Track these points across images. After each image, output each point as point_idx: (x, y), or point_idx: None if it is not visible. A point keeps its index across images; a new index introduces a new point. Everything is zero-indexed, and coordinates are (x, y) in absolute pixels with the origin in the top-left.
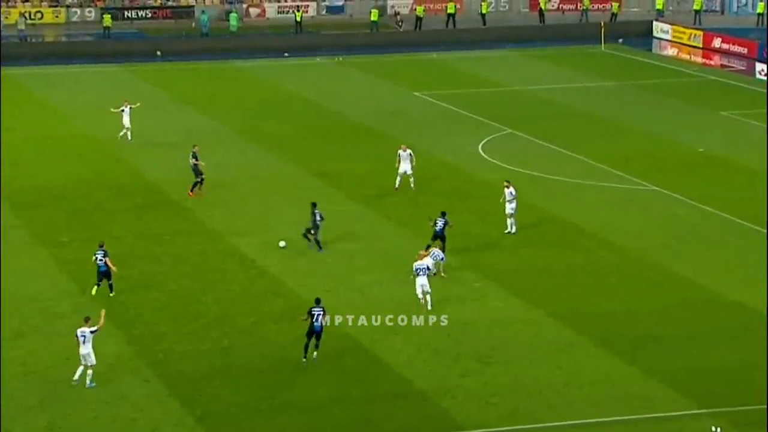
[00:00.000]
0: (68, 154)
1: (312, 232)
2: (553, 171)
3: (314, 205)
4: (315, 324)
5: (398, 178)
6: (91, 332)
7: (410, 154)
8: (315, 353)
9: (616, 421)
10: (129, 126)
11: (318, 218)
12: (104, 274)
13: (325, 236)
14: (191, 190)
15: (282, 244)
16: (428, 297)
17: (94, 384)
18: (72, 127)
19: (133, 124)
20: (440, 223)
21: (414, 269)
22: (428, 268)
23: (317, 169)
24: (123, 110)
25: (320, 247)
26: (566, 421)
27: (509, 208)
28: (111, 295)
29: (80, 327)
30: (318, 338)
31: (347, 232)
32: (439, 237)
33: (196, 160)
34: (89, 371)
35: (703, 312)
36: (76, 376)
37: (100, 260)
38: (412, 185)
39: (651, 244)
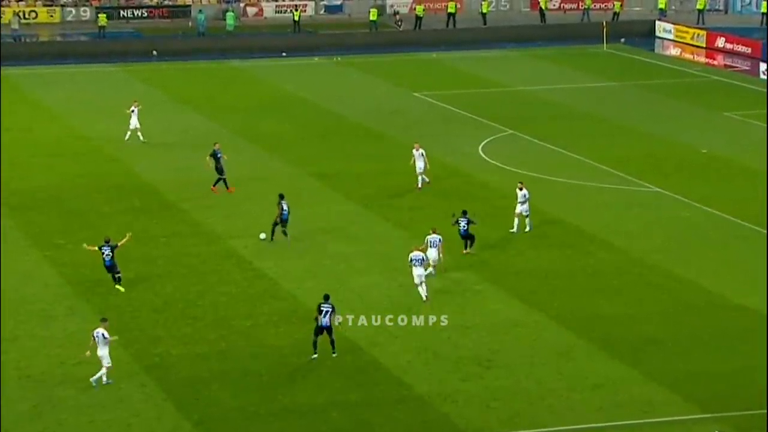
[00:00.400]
0: (63, 155)
1: (278, 223)
2: (554, 172)
3: (281, 196)
4: (323, 320)
5: (419, 178)
6: (104, 336)
7: (422, 154)
8: (333, 353)
9: (618, 425)
10: (137, 126)
11: (284, 209)
12: (109, 268)
13: (324, 238)
14: (227, 188)
15: (262, 236)
16: (424, 286)
17: (96, 386)
18: (67, 127)
19: (130, 125)
20: (463, 223)
21: (410, 260)
22: (424, 259)
23: (315, 170)
24: (132, 110)
25: (272, 238)
26: (568, 425)
27: (522, 209)
28: (117, 286)
29: (96, 328)
30: (329, 334)
31: (345, 233)
32: (465, 237)
33: (216, 157)
34: (102, 371)
35: (705, 315)
36: (104, 379)
37: (107, 255)
38: (419, 184)
39: (653, 246)
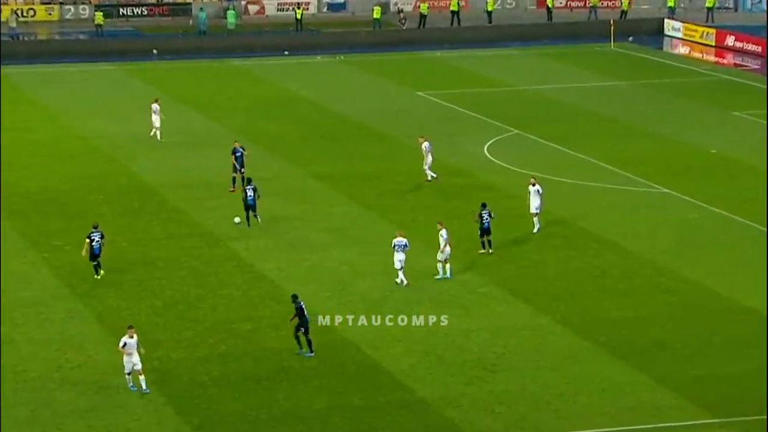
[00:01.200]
0: (62, 156)
1: (246, 210)
2: (560, 173)
3: (249, 180)
4: (305, 317)
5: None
6: (123, 343)
7: (426, 147)
8: (311, 353)
9: (626, 430)
10: (157, 126)
11: (249, 195)
12: (98, 255)
13: (326, 239)
14: (233, 187)
15: (236, 220)
16: (401, 273)
17: (148, 390)
18: (66, 127)
19: (129, 125)
20: (486, 215)
21: (393, 245)
22: (406, 245)
23: (317, 171)
24: (155, 110)
25: (248, 224)
26: (574, 430)
27: (534, 206)
28: (97, 277)
29: (124, 335)
30: (307, 333)
31: (348, 234)
32: (486, 232)
33: (236, 155)
34: (141, 377)
35: (714, 318)
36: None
37: (97, 242)
38: (437, 178)
39: (661, 248)
